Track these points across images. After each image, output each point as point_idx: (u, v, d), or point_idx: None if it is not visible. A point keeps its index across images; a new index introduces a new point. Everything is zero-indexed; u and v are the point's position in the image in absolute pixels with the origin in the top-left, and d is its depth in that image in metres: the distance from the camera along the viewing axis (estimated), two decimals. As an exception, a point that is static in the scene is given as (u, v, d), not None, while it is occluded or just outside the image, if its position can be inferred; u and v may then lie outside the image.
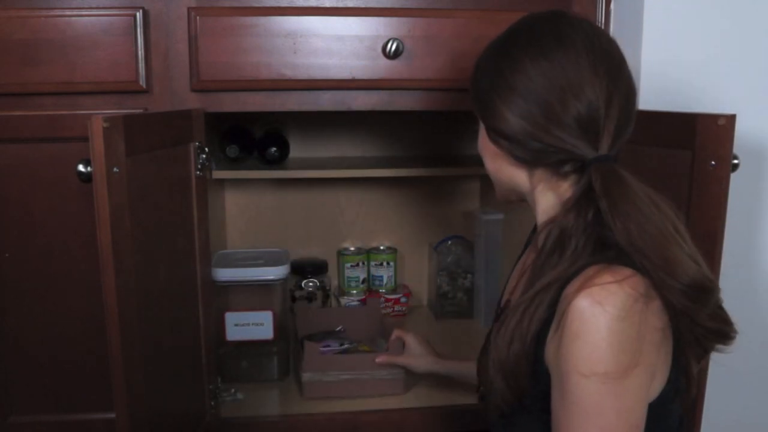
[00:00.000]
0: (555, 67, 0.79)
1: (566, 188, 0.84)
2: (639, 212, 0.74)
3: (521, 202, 0.92)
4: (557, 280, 0.76)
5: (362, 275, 1.78)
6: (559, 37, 0.81)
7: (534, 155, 0.82)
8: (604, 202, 0.75)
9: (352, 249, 1.80)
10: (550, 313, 0.76)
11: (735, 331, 0.77)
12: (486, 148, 0.89)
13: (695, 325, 0.74)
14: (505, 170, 0.88)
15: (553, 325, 0.74)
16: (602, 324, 0.69)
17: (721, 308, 0.76)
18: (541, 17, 0.86)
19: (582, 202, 0.78)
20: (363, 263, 1.78)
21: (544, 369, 0.76)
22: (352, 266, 1.77)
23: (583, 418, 0.70)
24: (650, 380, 0.74)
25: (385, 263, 1.78)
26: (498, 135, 0.84)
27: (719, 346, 0.78)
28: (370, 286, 1.80)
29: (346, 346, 1.43)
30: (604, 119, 0.79)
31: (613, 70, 0.80)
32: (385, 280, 1.78)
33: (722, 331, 0.76)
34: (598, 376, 0.69)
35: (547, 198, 0.86)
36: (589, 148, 0.79)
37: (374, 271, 1.79)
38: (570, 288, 0.73)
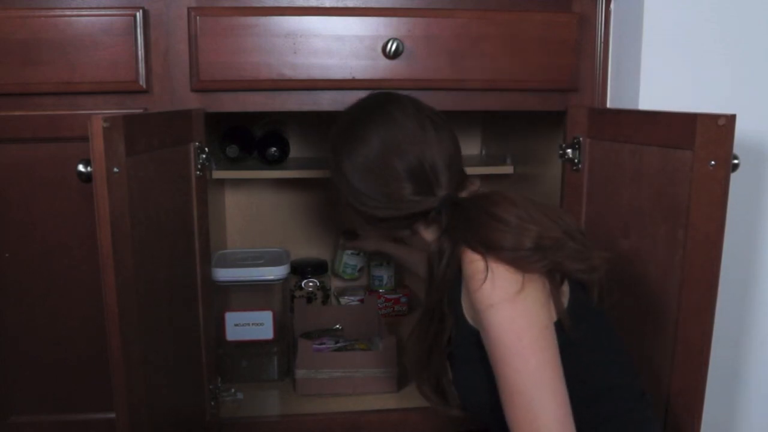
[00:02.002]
0: (363, 163, 0.98)
1: (432, 227, 1.01)
2: (483, 226, 0.89)
3: None
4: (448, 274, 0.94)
5: (360, 264, 1.78)
6: (357, 135, 1.00)
7: (399, 224, 1.01)
8: (458, 233, 0.91)
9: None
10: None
11: (598, 259, 0.91)
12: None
13: (565, 270, 0.89)
14: (392, 233, 1.08)
15: (463, 288, 0.91)
16: (489, 265, 0.86)
17: (581, 251, 0.90)
18: (342, 125, 1.06)
19: (441, 237, 0.94)
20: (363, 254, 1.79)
21: (471, 325, 0.92)
22: (352, 253, 1.77)
23: (501, 333, 0.84)
24: (544, 294, 0.87)
25: (385, 263, 1.78)
26: (369, 221, 1.03)
27: (591, 276, 0.91)
28: (370, 286, 1.80)
29: (341, 344, 1.43)
30: (430, 173, 0.96)
31: (412, 134, 0.97)
32: (385, 280, 1.78)
33: (587, 266, 0.90)
34: (500, 301, 0.84)
35: (428, 234, 1.02)
36: (430, 198, 0.96)
37: (374, 271, 1.79)
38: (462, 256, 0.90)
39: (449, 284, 0.94)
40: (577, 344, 0.89)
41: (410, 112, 1.01)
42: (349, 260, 1.77)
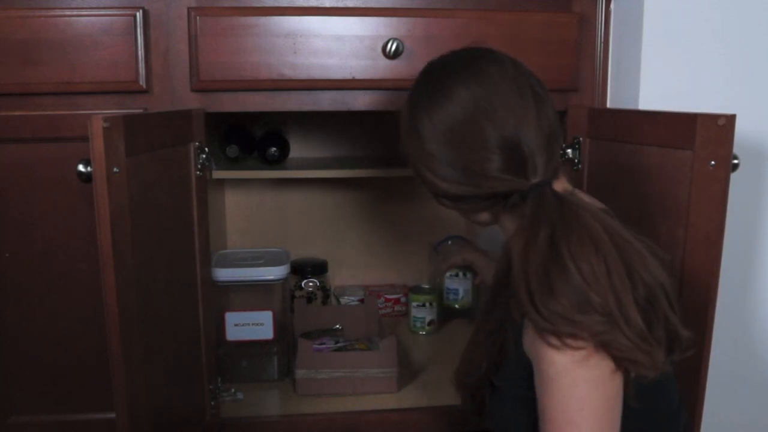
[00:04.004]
0: (447, 122, 0.83)
1: (516, 214, 0.85)
2: (580, 242, 0.75)
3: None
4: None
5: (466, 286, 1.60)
6: (443, 89, 0.84)
7: (475, 205, 0.87)
8: (547, 228, 0.77)
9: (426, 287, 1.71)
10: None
11: (660, 358, 0.75)
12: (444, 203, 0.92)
13: (614, 357, 0.74)
14: (467, 215, 0.93)
15: (526, 323, 0.79)
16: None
17: (638, 344, 0.73)
18: (425, 76, 0.90)
19: (528, 228, 0.79)
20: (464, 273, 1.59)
21: (527, 359, 0.80)
22: (452, 275, 1.58)
23: (561, 397, 0.74)
24: (613, 368, 0.74)
25: (461, 274, 1.61)
26: (439, 197, 0.89)
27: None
28: (444, 301, 1.65)
29: (341, 344, 1.43)
30: (526, 152, 0.82)
31: (510, 100, 0.83)
32: (461, 294, 1.60)
33: (646, 361, 0.74)
34: (569, 361, 0.73)
35: (510, 224, 0.88)
36: (521, 180, 0.82)
37: (449, 284, 1.63)
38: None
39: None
40: (636, 419, 0.78)
41: (510, 74, 0.85)
42: (451, 284, 1.59)
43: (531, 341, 0.78)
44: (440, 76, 0.87)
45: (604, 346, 0.73)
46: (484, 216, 0.90)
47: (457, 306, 1.59)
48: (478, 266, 1.37)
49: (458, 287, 1.58)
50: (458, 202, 0.88)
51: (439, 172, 0.85)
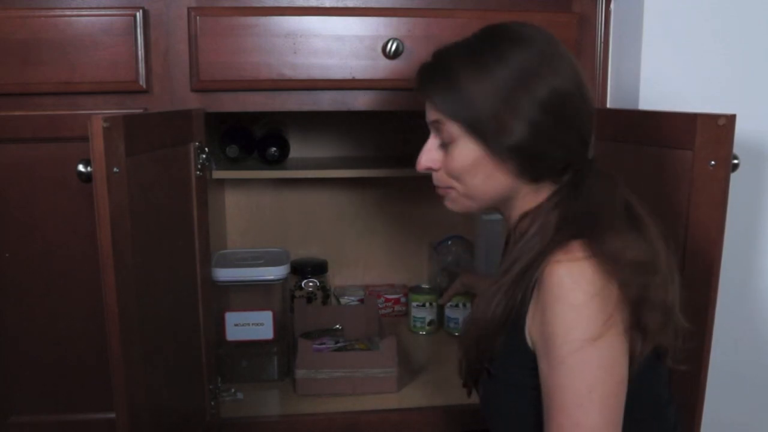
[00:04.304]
0: (561, 72, 0.83)
1: (545, 188, 0.88)
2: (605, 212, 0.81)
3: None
4: (536, 260, 0.80)
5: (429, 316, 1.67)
6: (553, 53, 0.85)
7: (547, 168, 0.85)
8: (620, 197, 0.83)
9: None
10: (527, 293, 0.80)
11: (670, 348, 0.80)
12: (480, 168, 0.85)
13: (645, 306, 0.76)
14: (500, 187, 0.86)
15: (533, 300, 0.79)
16: (579, 293, 0.74)
17: (667, 319, 0.78)
18: (495, 29, 0.90)
19: (566, 199, 0.84)
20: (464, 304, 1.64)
21: (529, 347, 0.80)
22: (453, 305, 1.64)
23: (571, 378, 0.74)
24: (627, 339, 0.76)
25: (461, 305, 1.65)
26: (512, 152, 0.83)
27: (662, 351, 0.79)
28: (444, 328, 1.68)
29: (341, 344, 1.43)
30: (593, 127, 0.88)
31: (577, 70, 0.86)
32: (461, 323, 1.65)
33: (662, 332, 0.78)
34: (581, 340, 0.73)
35: (527, 200, 0.88)
36: (585, 151, 0.87)
37: (449, 313, 1.68)
38: (548, 261, 0.77)
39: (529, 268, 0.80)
40: (635, 408, 0.79)
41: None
42: (451, 314, 1.66)
43: (535, 325, 0.78)
44: (514, 27, 0.87)
45: (637, 296, 0.75)
46: (530, 188, 0.87)
47: (456, 334, 1.64)
48: (477, 288, 1.44)
49: (458, 317, 1.64)
50: (536, 161, 0.84)
51: (532, 119, 0.82)
